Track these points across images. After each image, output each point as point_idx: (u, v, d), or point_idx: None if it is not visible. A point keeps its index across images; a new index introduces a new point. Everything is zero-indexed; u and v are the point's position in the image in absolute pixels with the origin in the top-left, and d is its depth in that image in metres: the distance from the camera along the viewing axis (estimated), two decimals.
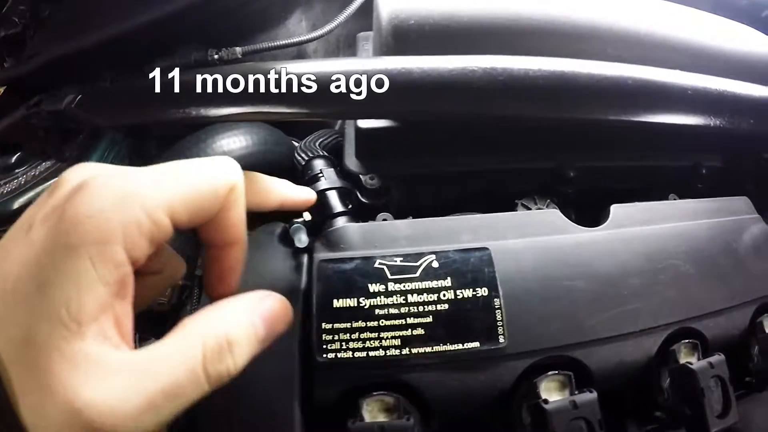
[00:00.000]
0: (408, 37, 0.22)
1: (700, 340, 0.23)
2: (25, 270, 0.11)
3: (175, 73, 0.26)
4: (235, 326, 0.14)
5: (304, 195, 0.19)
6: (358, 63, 0.18)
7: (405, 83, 0.18)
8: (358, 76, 0.18)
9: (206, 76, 0.24)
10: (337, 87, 0.18)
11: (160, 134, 0.31)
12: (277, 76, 0.19)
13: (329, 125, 0.33)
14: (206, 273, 0.17)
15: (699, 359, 0.22)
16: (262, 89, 0.21)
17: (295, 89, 0.18)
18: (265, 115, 0.21)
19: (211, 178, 0.14)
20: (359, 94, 0.18)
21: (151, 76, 0.26)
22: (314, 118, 0.23)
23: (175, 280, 0.18)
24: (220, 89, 0.22)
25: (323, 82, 0.18)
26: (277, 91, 0.19)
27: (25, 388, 0.11)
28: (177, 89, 0.23)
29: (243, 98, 0.20)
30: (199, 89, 0.23)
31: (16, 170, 0.31)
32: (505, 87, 0.18)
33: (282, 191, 0.19)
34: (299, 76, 0.18)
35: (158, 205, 0.12)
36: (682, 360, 0.22)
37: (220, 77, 0.23)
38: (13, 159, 0.31)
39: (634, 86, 0.20)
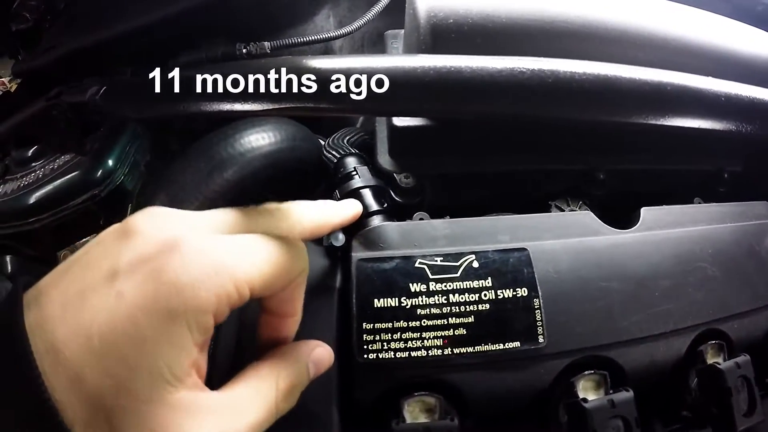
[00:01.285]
0: (447, 36, 0.22)
1: (726, 341, 0.24)
2: (116, 324, 0.12)
3: (203, 68, 0.26)
4: (298, 372, 0.17)
5: (353, 210, 0.20)
6: (410, 60, 0.18)
7: (455, 82, 0.18)
8: (411, 73, 0.18)
9: (236, 70, 0.24)
10: (390, 84, 0.18)
11: (182, 129, 0.31)
12: (334, 75, 0.19)
13: (354, 122, 0.33)
14: (259, 333, 0.18)
15: (725, 360, 0.23)
16: (297, 87, 0.21)
17: (354, 87, 0.18)
18: (302, 111, 0.21)
19: (289, 262, 0.15)
20: (409, 91, 0.18)
21: (176, 69, 0.26)
22: (362, 114, 0.24)
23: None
24: (251, 84, 0.22)
25: (387, 78, 0.18)
26: (322, 89, 0.19)
27: (126, 427, 0.12)
28: (205, 84, 0.23)
29: (282, 95, 0.20)
30: (229, 84, 0.23)
31: (33, 164, 0.30)
32: (552, 89, 0.19)
33: (335, 219, 0.19)
34: (344, 71, 0.18)
35: (245, 279, 0.14)
36: (710, 360, 0.23)
37: (252, 72, 0.23)
38: (30, 152, 0.31)
39: (672, 92, 0.21)
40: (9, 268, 0.33)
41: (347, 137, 0.29)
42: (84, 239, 0.30)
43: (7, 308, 0.12)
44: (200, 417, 0.13)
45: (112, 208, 0.29)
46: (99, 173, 0.28)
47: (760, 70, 0.32)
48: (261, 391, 0.15)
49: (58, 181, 0.29)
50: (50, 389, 0.12)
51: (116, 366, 0.12)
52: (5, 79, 0.45)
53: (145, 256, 0.13)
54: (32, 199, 0.29)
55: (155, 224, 0.14)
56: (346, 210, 0.20)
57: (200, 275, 0.13)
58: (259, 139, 0.26)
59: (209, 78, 0.21)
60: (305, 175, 0.28)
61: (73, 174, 0.28)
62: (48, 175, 0.29)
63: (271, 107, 0.19)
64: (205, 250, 0.13)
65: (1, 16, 0.35)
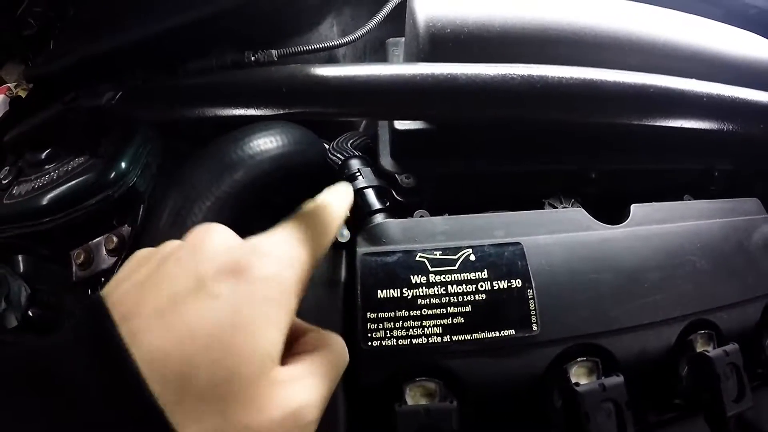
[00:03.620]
0: (444, 44, 0.25)
1: (715, 331, 0.26)
2: (220, 318, 0.14)
3: (215, 75, 0.28)
4: (344, 351, 0.18)
5: (348, 197, 0.22)
6: (410, 68, 0.21)
7: (451, 88, 0.20)
8: (411, 80, 0.20)
9: (246, 77, 0.26)
10: (392, 90, 0.20)
11: (191, 133, 0.33)
12: (327, 78, 0.21)
13: (356, 126, 0.36)
14: None
15: (714, 348, 0.25)
16: (306, 90, 0.23)
17: (347, 90, 0.20)
18: (308, 115, 0.24)
19: (326, 241, 0.18)
20: (409, 96, 0.20)
21: (191, 75, 0.29)
22: (367, 117, 0.26)
23: None
24: (261, 89, 0.24)
25: (382, 84, 0.20)
26: (326, 91, 0.21)
27: (237, 411, 0.13)
28: (218, 88, 0.25)
29: (293, 100, 0.22)
30: (239, 89, 0.25)
31: (47, 166, 0.33)
32: (541, 93, 0.21)
33: (343, 209, 0.20)
34: (350, 79, 0.21)
35: (309, 264, 0.17)
36: (699, 349, 0.25)
37: (261, 77, 0.25)
38: (44, 155, 0.33)
39: (655, 93, 0.23)
40: (21, 267, 0.35)
41: (350, 141, 0.32)
42: (96, 239, 0.32)
43: (99, 323, 0.14)
44: (295, 386, 0.15)
45: (125, 209, 0.31)
46: (112, 175, 0.30)
47: (752, 73, 0.34)
48: (327, 359, 0.17)
49: (73, 182, 0.31)
50: (156, 395, 0.12)
51: (226, 355, 0.14)
52: (11, 85, 0.47)
53: (228, 262, 0.15)
54: (47, 200, 0.31)
55: (223, 234, 0.16)
56: (342, 197, 0.21)
57: (281, 268, 0.16)
58: (268, 143, 0.29)
59: (221, 84, 0.23)
60: (311, 177, 0.30)
61: (87, 176, 0.31)
62: (62, 176, 0.32)
63: (282, 111, 0.22)
64: (279, 249, 0.16)
65: (7, 23, 0.38)
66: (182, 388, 0.13)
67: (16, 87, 0.48)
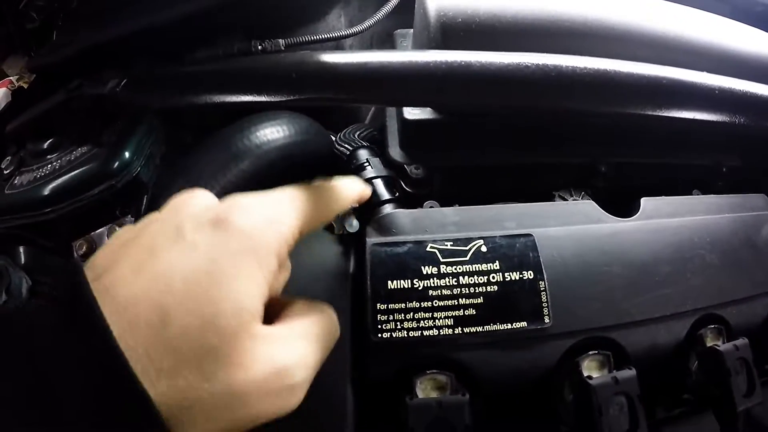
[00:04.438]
0: (456, 34, 0.25)
1: (724, 326, 0.26)
2: (196, 267, 0.13)
3: (221, 63, 0.28)
4: (333, 322, 0.18)
5: (360, 188, 0.21)
6: (423, 55, 0.21)
7: (465, 75, 0.20)
8: (424, 67, 0.20)
9: (252, 64, 0.26)
10: (405, 77, 0.20)
11: (195, 123, 0.33)
12: (338, 65, 0.21)
13: (363, 118, 0.35)
14: None
15: (724, 343, 0.25)
16: (316, 75, 0.23)
17: (360, 76, 0.20)
18: (317, 101, 0.24)
19: (326, 208, 0.18)
20: (422, 83, 0.20)
21: (196, 63, 0.28)
22: (378, 103, 0.26)
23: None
24: (271, 75, 0.24)
25: (395, 70, 0.20)
26: (338, 76, 0.21)
27: (215, 366, 0.13)
28: (227, 74, 0.25)
29: (300, 84, 0.22)
30: (246, 77, 0.25)
31: (49, 156, 0.32)
32: (555, 82, 0.21)
33: (350, 195, 0.20)
34: (363, 65, 0.21)
35: (296, 224, 0.16)
36: (709, 343, 0.25)
37: (266, 65, 0.25)
38: (46, 144, 0.32)
39: (668, 84, 0.23)
40: (22, 258, 0.34)
41: (357, 132, 0.32)
42: (99, 230, 0.31)
43: (69, 281, 0.13)
44: (280, 345, 0.14)
45: (128, 199, 0.31)
46: (116, 165, 0.30)
47: (759, 69, 0.34)
48: (316, 324, 0.16)
49: (75, 172, 0.30)
50: (130, 347, 0.12)
51: (201, 305, 0.13)
52: (13, 78, 0.47)
53: (208, 215, 0.15)
54: (49, 190, 0.30)
55: (205, 195, 0.16)
56: (356, 187, 0.21)
57: (262, 223, 0.15)
58: (274, 132, 0.29)
59: (230, 69, 0.23)
60: (317, 167, 0.30)
61: (90, 165, 0.30)
62: (64, 166, 0.31)
63: (292, 97, 0.22)
64: (261, 205, 0.16)
65: (9, 15, 0.37)
66: (154, 338, 0.12)
67: (18, 80, 0.48)
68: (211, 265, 0.14)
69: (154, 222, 0.16)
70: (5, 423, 0.11)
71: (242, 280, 0.14)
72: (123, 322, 0.12)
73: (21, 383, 0.12)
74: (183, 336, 0.13)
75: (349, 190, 0.20)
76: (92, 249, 0.32)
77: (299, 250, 0.24)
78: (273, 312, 0.16)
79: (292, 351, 0.15)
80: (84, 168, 0.31)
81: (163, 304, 0.13)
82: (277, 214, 0.16)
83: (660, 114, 0.24)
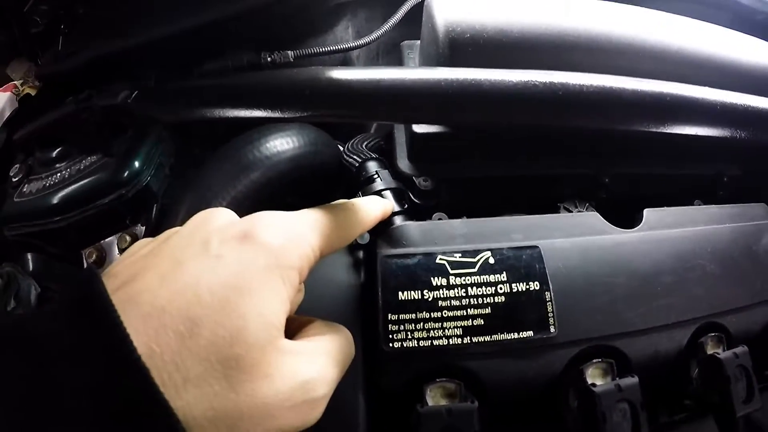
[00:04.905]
0: (464, 48, 0.26)
1: (725, 333, 0.27)
2: (223, 279, 0.14)
3: (234, 74, 0.29)
4: (351, 340, 0.19)
5: (383, 208, 0.23)
6: (434, 72, 0.22)
7: (475, 93, 0.21)
8: (435, 85, 0.21)
9: (269, 78, 0.27)
10: (417, 94, 0.21)
11: (204, 134, 0.34)
12: (345, 81, 0.22)
13: (368, 128, 0.36)
14: None
15: (724, 351, 0.26)
16: (330, 93, 0.24)
17: (373, 94, 0.21)
18: (330, 117, 0.24)
19: (346, 230, 0.19)
20: (434, 101, 0.21)
21: (207, 76, 0.29)
22: (390, 121, 0.27)
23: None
24: (285, 91, 0.25)
25: (407, 88, 0.21)
26: (351, 94, 0.22)
27: (243, 377, 0.13)
28: (242, 90, 0.26)
29: (316, 100, 0.23)
30: (264, 90, 0.26)
31: (57, 165, 0.33)
32: (562, 100, 0.22)
33: (372, 216, 0.21)
34: (376, 83, 0.22)
35: (317, 244, 0.17)
36: (710, 351, 0.26)
37: (280, 82, 0.26)
38: (55, 153, 0.33)
39: (672, 101, 0.24)
40: (31, 266, 0.35)
41: (365, 142, 0.33)
42: (108, 238, 0.32)
43: (86, 288, 0.13)
44: (303, 359, 0.15)
45: (138, 208, 0.31)
46: (126, 174, 0.31)
47: (760, 79, 0.35)
48: (335, 342, 0.17)
49: (86, 181, 0.31)
50: (156, 355, 0.12)
51: (230, 317, 0.13)
52: (17, 82, 0.47)
53: (234, 229, 0.15)
54: (60, 198, 0.31)
55: (228, 212, 0.17)
56: (381, 205, 0.23)
57: (286, 240, 0.16)
58: (284, 144, 0.29)
59: (245, 85, 0.24)
60: (326, 178, 0.31)
61: (101, 174, 0.31)
62: (74, 175, 0.32)
63: (305, 114, 0.22)
64: (285, 223, 0.17)
65: (15, 20, 0.38)
66: (182, 347, 0.12)
67: (22, 85, 0.48)
68: (239, 279, 0.14)
69: (175, 235, 0.16)
70: (15, 429, 0.11)
71: (268, 295, 0.14)
72: (149, 329, 0.12)
73: (32, 389, 0.11)
74: (211, 346, 0.13)
75: (371, 210, 0.21)
76: (102, 257, 0.33)
77: None
78: (291, 329, 0.17)
79: (315, 366, 0.15)
80: (94, 177, 0.31)
81: (192, 315, 0.13)
82: (300, 232, 0.17)
83: (664, 130, 0.25)
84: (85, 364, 0.12)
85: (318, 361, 0.16)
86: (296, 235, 0.16)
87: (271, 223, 0.16)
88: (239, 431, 0.13)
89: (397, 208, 0.26)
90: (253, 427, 0.14)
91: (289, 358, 0.15)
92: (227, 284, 0.14)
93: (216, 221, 0.16)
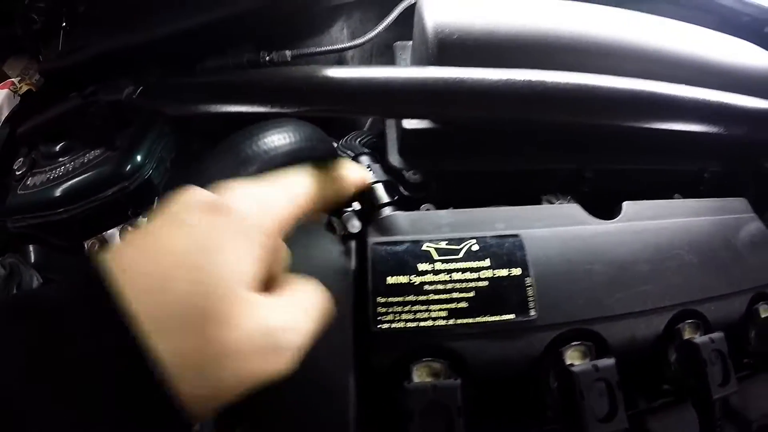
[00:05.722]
0: (452, 49, 0.28)
1: (702, 320, 0.29)
2: (197, 242, 0.16)
3: (235, 71, 0.31)
4: (323, 298, 0.20)
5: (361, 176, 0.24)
6: (421, 71, 0.24)
7: (459, 90, 0.23)
8: (422, 82, 0.23)
9: (262, 75, 0.29)
10: (407, 91, 0.23)
11: (203, 129, 0.36)
12: (342, 80, 0.24)
13: (362, 125, 0.39)
14: None
15: (701, 336, 0.28)
16: (326, 90, 0.26)
17: (366, 90, 0.23)
18: (325, 112, 0.27)
19: (326, 191, 0.21)
20: (421, 97, 0.23)
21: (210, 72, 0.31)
22: (381, 116, 0.29)
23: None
24: (284, 88, 0.27)
25: (398, 85, 0.23)
26: (345, 91, 0.24)
27: (207, 325, 0.15)
28: (244, 86, 0.28)
29: (311, 95, 0.25)
30: (264, 87, 0.28)
31: (61, 158, 0.35)
32: (541, 96, 0.24)
33: (349, 180, 0.23)
34: (369, 80, 0.24)
35: (291, 209, 0.19)
36: (686, 337, 0.28)
37: (279, 79, 0.28)
38: (58, 147, 0.35)
39: (648, 98, 0.26)
40: (32, 257, 0.37)
41: (358, 138, 0.35)
42: (111, 229, 0.34)
43: (87, 266, 0.15)
44: (271, 310, 0.17)
45: (139, 201, 0.34)
46: (128, 167, 0.33)
47: (743, 80, 0.38)
48: (308, 296, 0.19)
49: (89, 174, 0.33)
50: (133, 312, 0.14)
51: (201, 274, 0.15)
52: (15, 79, 0.50)
53: (208, 201, 0.17)
54: (64, 191, 0.33)
55: (199, 189, 0.18)
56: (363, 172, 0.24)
57: (257, 206, 0.18)
58: (281, 139, 0.31)
59: (247, 81, 0.26)
60: None
61: (104, 167, 0.33)
62: (78, 168, 0.34)
63: (302, 109, 0.25)
64: (256, 191, 0.18)
65: (17, 17, 0.40)
66: (158, 303, 0.14)
67: (20, 82, 0.51)
68: (206, 241, 0.16)
69: (155, 214, 0.18)
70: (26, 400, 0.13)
71: (238, 254, 0.16)
72: (125, 288, 0.14)
73: (30, 340, 0.13)
74: (187, 301, 0.15)
75: (348, 176, 0.22)
76: (104, 248, 0.35)
77: (306, 249, 0.27)
78: (272, 287, 0.18)
79: (285, 316, 0.17)
80: (98, 170, 0.34)
81: (165, 272, 0.15)
82: (270, 197, 0.18)
83: (641, 125, 0.27)
84: (84, 318, 0.14)
85: (287, 311, 0.17)
86: (268, 199, 0.18)
87: (242, 192, 0.18)
88: (204, 377, 0.15)
89: (387, 199, 0.28)
90: (221, 371, 0.15)
91: (258, 309, 0.16)
92: (199, 247, 0.16)
93: (190, 195, 0.18)
